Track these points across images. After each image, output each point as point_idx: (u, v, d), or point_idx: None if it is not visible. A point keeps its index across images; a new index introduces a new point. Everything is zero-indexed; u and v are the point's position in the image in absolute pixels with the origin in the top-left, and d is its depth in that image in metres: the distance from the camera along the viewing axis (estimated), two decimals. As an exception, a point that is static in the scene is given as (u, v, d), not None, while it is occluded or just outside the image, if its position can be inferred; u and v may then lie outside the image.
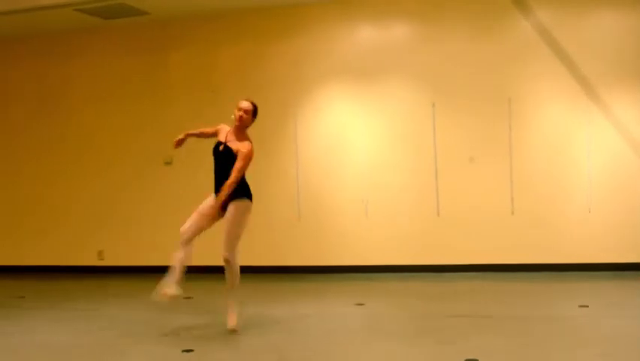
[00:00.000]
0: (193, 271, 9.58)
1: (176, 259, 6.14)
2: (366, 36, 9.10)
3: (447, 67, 8.74)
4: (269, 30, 9.44)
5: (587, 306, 6.38)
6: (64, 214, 10.33)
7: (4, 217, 10.68)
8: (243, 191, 5.97)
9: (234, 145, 5.90)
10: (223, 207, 5.93)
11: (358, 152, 9.03)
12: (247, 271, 9.36)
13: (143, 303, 7.57)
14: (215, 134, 6.14)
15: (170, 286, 6.01)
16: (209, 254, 9.67)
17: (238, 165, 5.82)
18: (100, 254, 10.14)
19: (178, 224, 9.68)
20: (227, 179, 5.79)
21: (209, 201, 6.04)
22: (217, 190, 5.96)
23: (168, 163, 9.81)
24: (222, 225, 5.99)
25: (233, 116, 5.98)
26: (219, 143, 5.99)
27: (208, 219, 6.03)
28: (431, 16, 8.85)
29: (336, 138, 9.10)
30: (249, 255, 9.51)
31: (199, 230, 6.08)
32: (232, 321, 5.94)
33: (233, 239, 6.01)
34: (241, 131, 6.02)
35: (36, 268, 10.40)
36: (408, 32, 8.98)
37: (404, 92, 8.91)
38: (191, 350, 5.30)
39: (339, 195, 9.07)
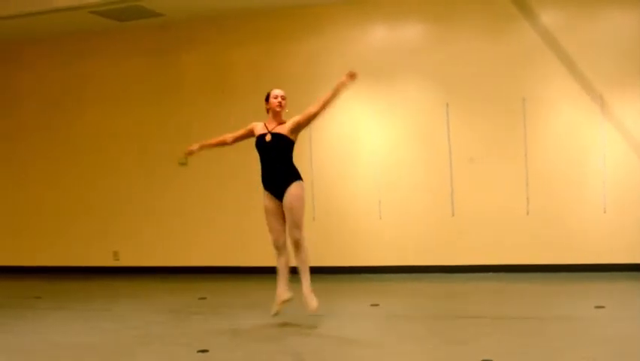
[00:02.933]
0: (206, 272, 9.67)
1: (280, 266, 6.29)
2: (380, 37, 9.09)
3: (460, 67, 8.71)
4: (282, 31, 9.46)
5: (604, 307, 6.34)
6: (80, 215, 10.39)
7: (20, 218, 10.75)
8: (296, 173, 6.13)
9: (281, 129, 6.08)
10: (281, 194, 6.06)
11: (372, 152, 9.02)
12: (261, 272, 9.42)
13: (158, 304, 7.62)
14: (249, 135, 6.29)
15: (282, 293, 6.22)
16: (220, 255, 9.74)
17: (311, 109, 6.13)
18: (115, 255, 10.19)
19: (193, 225, 9.80)
20: (281, 168, 6.04)
21: (268, 200, 6.18)
22: (270, 183, 6.11)
23: (183, 164, 9.84)
24: (286, 210, 6.09)
25: (268, 107, 6.26)
26: (262, 135, 6.12)
27: (281, 213, 6.14)
28: (444, 16, 8.83)
29: (350, 138, 9.09)
30: (263, 256, 9.54)
31: (283, 229, 6.20)
32: (313, 302, 6.07)
33: (300, 218, 6.03)
34: (280, 118, 6.20)
35: (52, 268, 10.46)
36: (421, 33, 8.96)
37: (418, 92, 8.89)
38: (206, 351, 5.31)
39: (353, 196, 9.06)
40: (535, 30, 8.39)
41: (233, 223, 9.64)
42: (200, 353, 5.26)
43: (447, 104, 8.76)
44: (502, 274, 8.48)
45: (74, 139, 10.45)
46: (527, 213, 8.48)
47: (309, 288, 6.11)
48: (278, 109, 6.17)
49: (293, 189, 6.02)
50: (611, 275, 8.04)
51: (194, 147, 6.45)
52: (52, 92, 10.62)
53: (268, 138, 6.06)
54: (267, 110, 6.30)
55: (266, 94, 6.34)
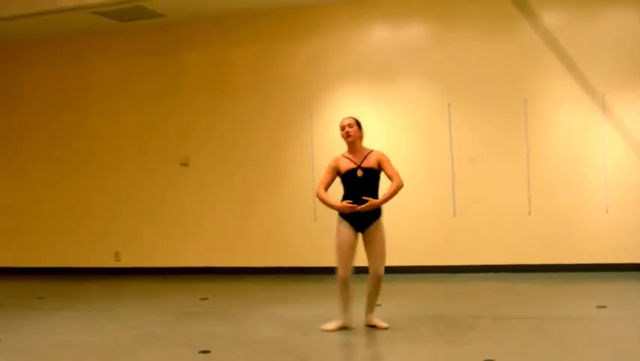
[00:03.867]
0: (208, 273, 9.67)
1: (349, 295, 5.95)
2: (381, 37, 9.09)
3: (462, 67, 8.71)
4: (283, 31, 9.46)
5: (605, 307, 6.33)
6: (81, 215, 10.40)
7: (21, 219, 10.77)
8: (380, 208, 5.82)
9: (369, 162, 5.78)
10: (362, 227, 5.78)
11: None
12: (264, 272, 9.43)
13: (159, 304, 7.62)
14: (337, 173, 5.90)
15: (350, 319, 5.97)
16: (221, 255, 9.74)
17: (395, 174, 5.77)
18: (116, 255, 10.20)
19: (194, 225, 9.79)
20: (373, 198, 5.70)
21: (347, 230, 5.81)
22: (355, 214, 5.74)
23: (184, 164, 9.85)
24: (370, 245, 5.82)
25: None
26: (352, 170, 5.77)
27: (355, 246, 5.86)
28: (446, 16, 8.83)
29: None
30: (263, 256, 9.57)
31: (353, 263, 5.92)
32: (383, 323, 5.92)
33: (385, 254, 5.83)
34: (359, 146, 5.90)
35: (53, 269, 10.47)
36: (422, 33, 8.96)
37: (419, 92, 8.89)
38: (208, 352, 5.31)
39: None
40: (535, 30, 8.40)
41: (234, 224, 9.65)
42: (202, 354, 5.26)
43: (449, 104, 8.76)
44: (503, 274, 8.47)
45: (75, 139, 10.46)
46: (529, 213, 8.48)
47: (374, 313, 6.01)
48: (347, 140, 5.86)
49: (380, 225, 5.77)
50: (613, 275, 8.04)
51: (342, 204, 5.81)
52: (52, 93, 10.64)
53: (360, 173, 5.75)
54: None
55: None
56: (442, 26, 8.87)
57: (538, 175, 8.47)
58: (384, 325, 5.85)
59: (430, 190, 8.82)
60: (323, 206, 9.09)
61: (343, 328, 5.87)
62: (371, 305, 5.95)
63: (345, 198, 5.80)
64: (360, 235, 5.82)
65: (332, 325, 5.90)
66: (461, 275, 8.56)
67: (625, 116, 8.17)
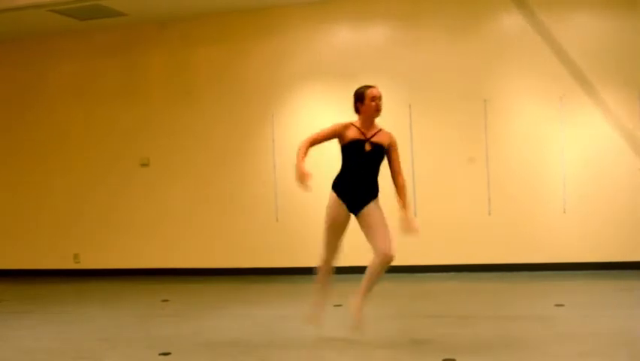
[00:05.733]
0: (168, 274, 9.60)
1: (322, 291, 5.69)
2: (344, 37, 9.12)
3: (423, 68, 8.79)
4: (245, 31, 9.44)
5: (563, 305, 6.44)
6: (40, 216, 10.26)
7: (-22, 220, 10.58)
8: (378, 189, 5.33)
9: (379, 138, 5.27)
10: (357, 207, 5.27)
11: (335, 153, 9.02)
12: (226, 273, 9.39)
13: (120, 307, 7.55)
14: (334, 137, 5.40)
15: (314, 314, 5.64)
16: (183, 256, 9.68)
17: (400, 173, 5.38)
18: (76, 257, 10.07)
19: (155, 226, 9.72)
20: (369, 180, 5.23)
21: (339, 208, 5.31)
22: (352, 192, 5.27)
23: (145, 165, 9.76)
24: (369, 224, 5.25)
25: (362, 109, 5.36)
26: (360, 141, 5.24)
27: (345, 228, 5.38)
28: (408, 18, 8.90)
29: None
30: (226, 257, 9.54)
31: (338, 250, 5.55)
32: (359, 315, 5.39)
33: (390, 233, 5.22)
34: (374, 121, 5.35)
35: (13, 271, 10.30)
36: (385, 34, 9.02)
37: (381, 92, 8.93)
38: (168, 353, 5.27)
39: (315, 197, 9.05)
40: (499, 31, 8.51)
41: (194, 225, 9.60)
42: (162, 356, 5.22)
43: (409, 105, 8.82)
44: (464, 274, 8.56)
45: (32, 140, 10.32)
46: (489, 214, 8.58)
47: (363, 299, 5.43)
48: (377, 114, 5.33)
49: (376, 204, 5.25)
50: (570, 274, 8.18)
51: (303, 170, 5.42)
52: (8, 93, 10.47)
53: (368, 147, 5.22)
54: (357, 110, 5.41)
55: (358, 91, 5.42)
56: (403, 27, 8.93)
57: (498, 175, 8.58)
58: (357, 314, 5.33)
59: (391, 191, 8.84)
60: (285, 207, 9.19)
61: (315, 321, 5.58)
62: (367, 290, 5.39)
63: (342, 173, 5.35)
64: (353, 217, 5.29)
65: (310, 318, 5.58)
66: (422, 275, 8.63)
67: (582, 118, 8.32)
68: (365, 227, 5.26)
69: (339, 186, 5.34)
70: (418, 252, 8.77)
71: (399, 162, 5.36)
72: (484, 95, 8.61)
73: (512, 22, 8.46)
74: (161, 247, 9.72)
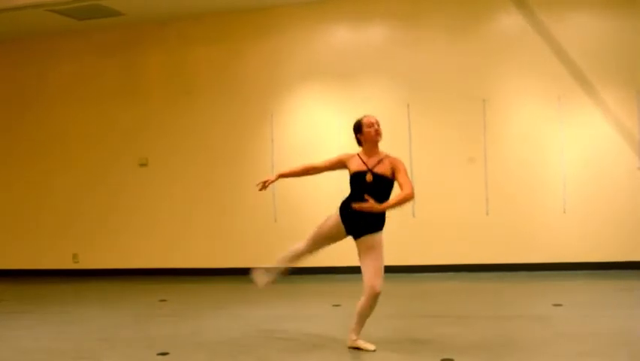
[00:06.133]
0: (167, 274, 9.60)
1: (283, 261, 5.76)
2: (343, 37, 9.12)
3: (422, 68, 8.79)
4: (244, 30, 9.43)
5: (561, 305, 6.44)
6: (39, 217, 10.25)
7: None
8: (383, 222, 5.25)
9: (383, 169, 5.21)
10: (357, 234, 5.26)
11: (334, 152, 9.01)
12: (224, 273, 9.39)
13: (119, 306, 7.54)
14: (337, 167, 5.47)
15: (267, 275, 5.76)
16: (182, 256, 9.68)
17: (406, 183, 5.13)
18: (75, 257, 10.06)
19: (154, 226, 9.71)
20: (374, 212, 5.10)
21: (336, 225, 5.34)
22: (353, 219, 5.22)
23: (143, 165, 9.76)
24: (366, 255, 5.24)
25: (363, 139, 5.34)
26: (361, 173, 5.22)
27: (333, 240, 5.43)
28: (407, 17, 8.89)
29: (312, 138, 9.10)
30: (224, 257, 9.52)
31: (318, 250, 5.60)
32: (368, 345, 5.30)
33: (381, 271, 5.22)
34: (377, 149, 5.33)
35: (12, 271, 10.29)
36: (384, 34, 9.01)
37: (380, 92, 8.94)
38: (166, 353, 5.27)
39: (313, 198, 9.06)
40: (498, 32, 8.51)
41: (193, 225, 9.59)
42: (160, 356, 5.22)
43: (408, 105, 8.82)
44: (463, 274, 8.56)
45: (32, 140, 10.31)
46: (487, 214, 8.58)
47: (357, 334, 5.35)
48: (378, 138, 5.29)
49: (380, 239, 5.20)
50: (569, 274, 8.18)
51: (272, 178, 5.58)
52: (9, 93, 10.46)
53: (369, 178, 5.18)
54: (360, 143, 5.39)
55: (355, 124, 5.41)
56: (402, 27, 8.93)
57: (496, 175, 8.58)
58: (371, 347, 5.23)
59: (390, 190, 8.85)
60: (283, 207, 9.18)
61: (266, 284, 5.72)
62: (358, 325, 5.31)
63: (349, 195, 5.32)
64: (353, 240, 5.31)
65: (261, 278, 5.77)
66: (421, 275, 8.63)
67: (581, 117, 8.32)
68: (360, 256, 5.30)
69: (345, 209, 5.32)
70: (417, 252, 8.79)
71: (404, 179, 5.18)
72: (483, 95, 8.61)
73: (511, 22, 8.46)
74: (160, 247, 9.71)
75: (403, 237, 8.83)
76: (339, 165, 5.46)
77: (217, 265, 9.46)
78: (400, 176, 5.20)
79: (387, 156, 5.30)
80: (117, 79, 9.96)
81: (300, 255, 5.63)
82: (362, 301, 5.26)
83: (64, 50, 10.17)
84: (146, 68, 9.88)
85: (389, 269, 8.75)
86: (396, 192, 5.16)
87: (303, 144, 9.09)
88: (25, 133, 10.34)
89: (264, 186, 5.56)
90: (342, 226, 5.31)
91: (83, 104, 10.08)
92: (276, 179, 5.59)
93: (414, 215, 8.78)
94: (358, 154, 5.38)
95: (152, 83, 9.85)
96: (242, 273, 9.42)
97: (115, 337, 5.99)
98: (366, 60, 8.97)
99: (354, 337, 5.31)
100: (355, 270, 8.93)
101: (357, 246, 5.31)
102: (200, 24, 9.56)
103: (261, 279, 5.78)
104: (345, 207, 5.30)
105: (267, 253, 9.20)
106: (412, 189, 5.12)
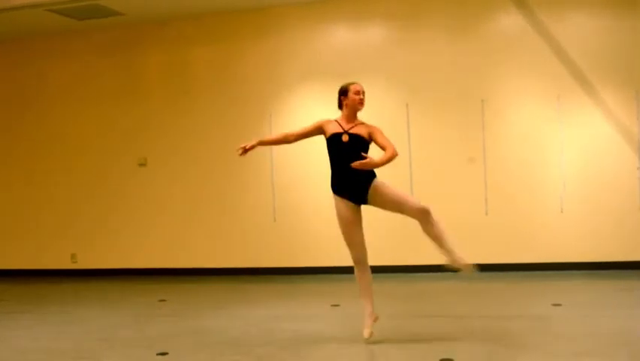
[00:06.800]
0: (165, 274, 9.59)
1: (363, 284, 5.59)
2: (343, 37, 9.12)
3: (420, 68, 8.78)
4: (243, 31, 9.43)
5: (560, 305, 6.44)
6: (37, 216, 10.25)
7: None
8: (372, 171, 5.30)
9: (358, 130, 5.35)
10: (359, 197, 5.31)
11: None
12: (223, 273, 9.39)
13: (118, 306, 7.54)
14: (316, 133, 5.56)
15: (372, 313, 5.48)
16: (180, 256, 9.68)
17: (387, 142, 5.26)
18: (73, 257, 10.06)
19: (152, 226, 9.71)
20: (357, 170, 5.14)
21: (344, 207, 5.35)
22: (345, 186, 5.30)
23: (142, 164, 9.76)
24: (385, 201, 5.31)
25: (346, 103, 5.46)
26: (338, 134, 5.34)
27: (360, 221, 5.46)
28: (406, 17, 8.89)
29: (312, 138, 9.07)
30: (223, 257, 9.53)
31: (363, 240, 5.55)
32: (467, 263, 5.54)
33: (403, 194, 5.39)
34: (355, 116, 5.47)
35: (10, 271, 10.29)
36: (383, 34, 9.01)
37: (379, 92, 8.93)
38: (166, 353, 5.27)
39: (313, 197, 9.07)
40: (497, 32, 8.51)
41: (192, 224, 9.60)
42: (159, 356, 5.21)
43: (407, 105, 8.82)
44: (462, 274, 8.54)
45: (31, 139, 10.31)
46: (486, 214, 8.58)
47: (451, 248, 5.58)
48: (360, 107, 5.45)
49: (376, 183, 5.27)
50: (568, 273, 8.19)
51: (251, 142, 5.62)
52: (9, 93, 10.46)
53: (345, 138, 5.31)
54: (341, 106, 5.52)
55: (342, 87, 5.55)
56: (402, 27, 8.92)
57: (495, 175, 8.58)
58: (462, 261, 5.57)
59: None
60: (283, 207, 9.18)
61: (376, 320, 5.44)
62: (444, 245, 5.49)
63: (332, 171, 5.38)
64: (362, 207, 5.36)
65: (367, 330, 5.37)
66: (420, 275, 8.63)
67: (581, 117, 8.32)
68: (383, 205, 5.35)
69: (335, 185, 5.40)
70: (416, 252, 8.77)
71: (384, 140, 5.32)
72: (482, 95, 8.61)
73: (511, 22, 8.46)
74: (159, 247, 9.71)
75: (401, 237, 8.83)
76: (317, 131, 5.55)
77: (217, 265, 9.46)
78: (379, 137, 5.35)
79: (363, 123, 5.46)
80: (117, 79, 9.96)
81: (358, 265, 5.56)
82: (427, 229, 5.43)
83: (64, 50, 10.17)
84: (146, 68, 9.88)
85: (389, 269, 8.83)
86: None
87: (302, 144, 9.05)
88: (25, 133, 10.34)
89: (244, 151, 5.60)
90: (348, 202, 5.34)
91: (82, 104, 10.09)
92: (256, 144, 5.66)
93: (413, 215, 8.76)
94: (336, 120, 5.50)
95: (152, 83, 9.85)
96: (241, 273, 9.47)
97: (114, 337, 5.99)
98: (365, 60, 8.97)
99: (452, 254, 5.59)
100: (348, 271, 8.95)
101: (373, 204, 5.36)
102: (200, 24, 9.57)
103: (368, 318, 5.50)
104: (334, 185, 5.38)
105: (267, 253, 9.30)
106: (394, 146, 5.25)
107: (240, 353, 5.24)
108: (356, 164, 5.08)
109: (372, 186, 5.29)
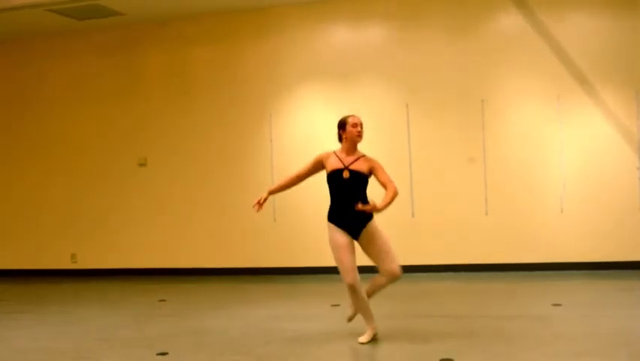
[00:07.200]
0: (165, 274, 9.59)
1: (366, 302, 5.50)
2: (342, 37, 9.12)
3: (420, 68, 8.79)
4: (243, 31, 9.43)
5: (560, 304, 6.44)
6: (37, 216, 10.25)
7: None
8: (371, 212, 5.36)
9: (359, 166, 5.39)
10: (356, 232, 5.37)
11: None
12: (223, 273, 9.39)
13: (118, 306, 7.54)
14: (317, 169, 5.59)
15: (367, 334, 5.44)
16: (180, 256, 9.67)
17: (388, 181, 5.39)
18: (73, 257, 10.06)
19: (152, 226, 9.71)
20: (357, 203, 5.22)
21: (341, 235, 5.34)
22: (344, 220, 5.35)
23: (142, 165, 9.76)
24: (371, 246, 5.40)
25: (345, 137, 5.48)
26: (338, 170, 5.38)
27: (354, 250, 5.40)
28: (406, 18, 8.89)
29: (311, 138, 9.09)
30: (223, 257, 9.52)
31: (356, 267, 5.42)
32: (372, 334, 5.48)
33: (393, 251, 5.48)
34: (355, 149, 5.50)
35: (10, 271, 10.29)
36: (383, 34, 9.01)
37: (379, 92, 8.94)
38: (166, 353, 5.27)
39: (313, 198, 9.05)
40: (497, 32, 8.51)
41: (192, 225, 9.60)
42: (159, 356, 5.21)
43: (407, 105, 8.82)
44: (461, 274, 8.56)
45: (31, 139, 10.32)
46: (486, 214, 8.58)
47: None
48: (359, 139, 5.46)
49: (372, 226, 5.39)
50: (568, 273, 8.19)
51: (263, 195, 5.74)
52: (9, 93, 10.47)
53: (346, 175, 5.35)
54: (341, 139, 5.53)
55: (340, 120, 5.56)
56: (402, 27, 8.92)
57: (495, 175, 8.58)
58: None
59: (390, 190, 8.85)
60: (283, 207, 9.18)
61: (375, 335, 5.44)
62: (369, 293, 5.52)
63: (332, 203, 5.44)
64: (355, 242, 5.40)
65: (365, 336, 5.41)
66: (420, 275, 8.62)
67: (580, 117, 8.33)
68: (366, 250, 5.42)
69: (334, 216, 5.44)
70: (416, 252, 8.79)
71: (385, 178, 5.43)
72: (482, 95, 8.61)
73: (511, 22, 8.47)
74: (159, 247, 9.71)
75: (402, 237, 8.82)
76: (318, 165, 5.58)
77: (217, 265, 9.46)
78: (380, 174, 5.42)
79: (363, 156, 5.48)
80: (117, 79, 9.96)
81: (353, 289, 5.40)
82: (380, 283, 5.50)
83: (64, 50, 10.17)
84: (146, 68, 9.88)
85: (388, 269, 8.80)
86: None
87: (302, 144, 9.09)
88: (25, 133, 10.34)
89: (260, 205, 5.70)
90: (344, 232, 5.36)
91: (82, 104, 10.09)
92: (268, 196, 5.75)
93: (413, 215, 8.78)
94: (335, 152, 5.52)
95: (152, 83, 9.85)
96: (241, 273, 9.47)
97: (114, 337, 5.99)
98: (365, 60, 8.97)
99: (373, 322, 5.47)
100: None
101: (361, 245, 5.41)
102: (200, 24, 9.56)
103: (372, 328, 5.52)
104: (333, 216, 5.43)
105: (267, 253, 9.30)
106: (395, 185, 5.37)
107: (240, 353, 5.24)
108: (360, 207, 5.17)
109: (368, 225, 5.39)
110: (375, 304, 6.95)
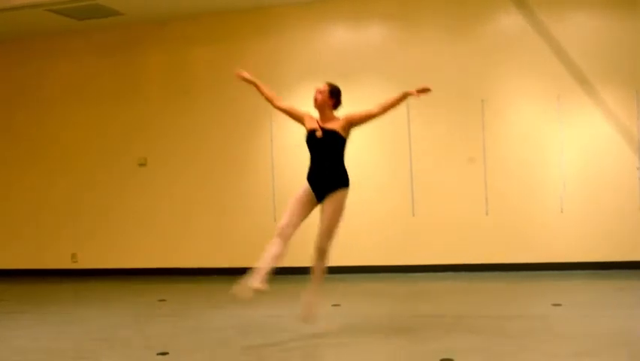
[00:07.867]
0: (165, 274, 9.59)
1: (270, 256, 5.66)
2: (342, 37, 9.12)
3: (421, 68, 8.78)
4: (244, 31, 9.43)
5: (560, 304, 6.44)
6: (38, 216, 10.25)
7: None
8: (345, 178, 5.54)
9: (333, 125, 5.55)
10: (321, 196, 5.51)
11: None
12: (223, 273, 9.38)
13: (118, 306, 7.54)
14: (296, 118, 5.85)
15: (256, 282, 5.55)
16: (180, 256, 9.67)
17: (367, 109, 5.67)
18: (73, 256, 10.06)
19: (152, 226, 9.71)
20: (330, 168, 5.47)
21: (303, 191, 5.55)
22: (316, 181, 5.52)
23: (142, 164, 9.76)
24: (323, 214, 5.57)
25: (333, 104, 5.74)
26: (313, 130, 5.58)
27: (308, 208, 5.57)
28: (406, 18, 8.89)
29: (312, 139, 9.09)
30: (223, 256, 9.52)
31: (299, 223, 5.61)
32: (310, 310, 5.73)
33: (334, 229, 5.59)
34: (329, 113, 5.66)
35: (10, 271, 10.28)
36: (382, 33, 9.01)
37: (379, 92, 8.91)
38: (166, 353, 5.26)
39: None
40: (497, 32, 8.51)
41: (192, 224, 9.60)
42: (160, 356, 5.21)
43: (407, 105, 8.80)
44: (461, 274, 8.56)
45: (31, 139, 10.31)
46: (486, 214, 8.58)
47: (316, 296, 5.80)
48: (314, 103, 5.66)
49: (339, 196, 5.48)
50: (568, 273, 8.19)
51: (252, 78, 6.10)
52: (9, 93, 10.47)
53: (319, 134, 5.52)
54: (335, 106, 5.82)
55: (338, 89, 5.87)
56: (401, 27, 8.93)
57: (496, 175, 8.58)
58: (312, 313, 5.69)
59: (390, 190, 8.86)
60: (283, 207, 9.12)
61: (260, 290, 5.48)
62: (314, 283, 5.76)
63: (309, 163, 5.60)
64: (319, 206, 5.55)
65: (250, 282, 5.50)
66: (420, 275, 8.63)
67: (581, 117, 8.32)
68: (322, 215, 5.59)
69: (309, 175, 5.64)
70: (416, 252, 8.79)
71: (364, 110, 5.67)
72: (482, 95, 8.61)
73: (511, 22, 8.47)
74: (159, 247, 9.71)
75: (402, 236, 8.84)
76: (300, 118, 5.83)
77: (217, 265, 9.46)
78: (357, 115, 5.61)
79: (338, 117, 5.66)
80: (117, 79, 9.96)
81: (278, 233, 5.66)
82: (315, 262, 5.79)
83: (64, 50, 10.17)
84: (146, 68, 9.88)
85: (389, 269, 8.83)
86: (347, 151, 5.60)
87: (302, 144, 9.06)
88: (25, 133, 10.34)
89: (243, 78, 6.11)
90: (312, 194, 5.55)
91: (82, 104, 10.09)
92: (253, 82, 6.15)
93: (413, 215, 8.78)
94: (317, 118, 5.71)
95: (152, 83, 9.85)
96: (241, 273, 9.43)
97: (114, 337, 5.98)
98: (365, 60, 8.97)
99: (308, 298, 5.77)
100: (355, 270, 8.97)
101: (321, 209, 5.57)
102: (200, 24, 9.56)
103: (246, 291, 5.60)
104: (308, 175, 5.60)
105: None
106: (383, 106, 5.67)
107: (240, 353, 5.24)
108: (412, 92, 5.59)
109: (337, 191, 5.51)
110: (375, 304, 6.96)
